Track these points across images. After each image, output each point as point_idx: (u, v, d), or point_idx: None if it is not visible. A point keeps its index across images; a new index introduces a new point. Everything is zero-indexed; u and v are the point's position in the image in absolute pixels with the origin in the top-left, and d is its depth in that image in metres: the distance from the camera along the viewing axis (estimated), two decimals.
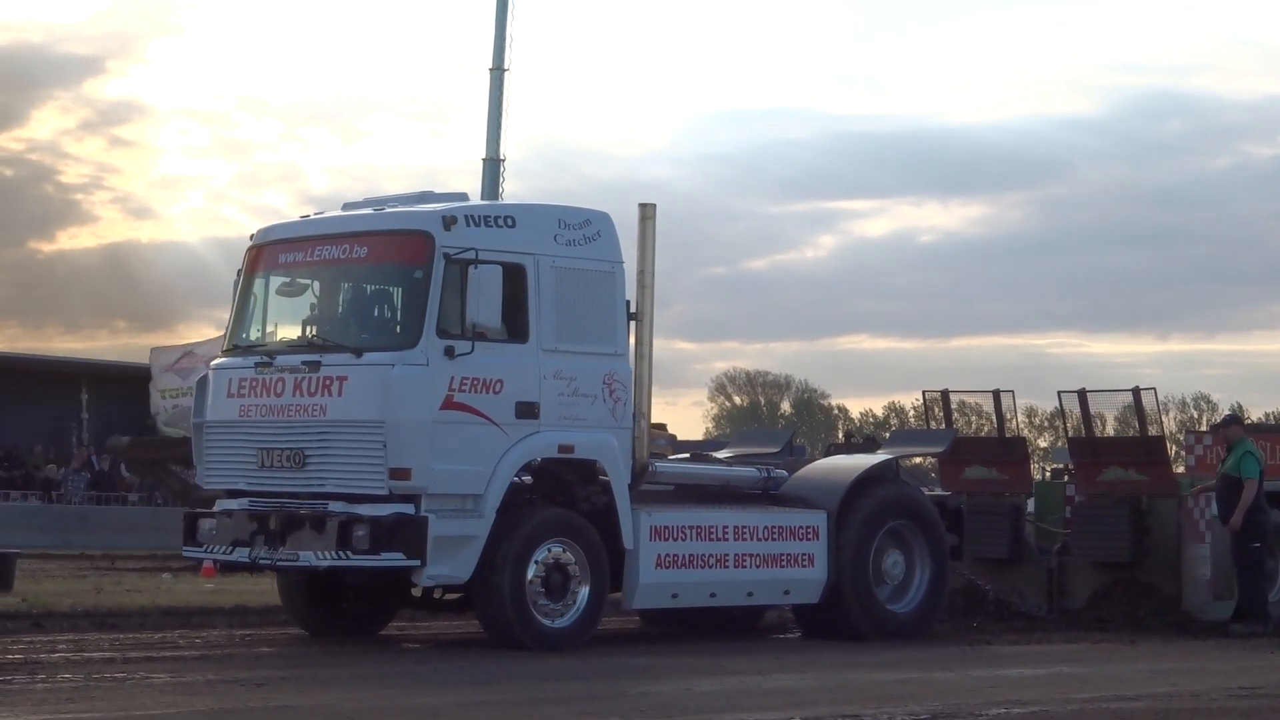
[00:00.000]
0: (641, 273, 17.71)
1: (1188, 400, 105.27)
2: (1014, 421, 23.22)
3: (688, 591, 17.85)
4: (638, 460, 17.52)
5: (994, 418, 23.01)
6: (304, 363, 16.40)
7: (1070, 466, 24.26)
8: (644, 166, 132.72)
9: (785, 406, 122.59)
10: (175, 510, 31.51)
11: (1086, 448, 22.48)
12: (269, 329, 17.44)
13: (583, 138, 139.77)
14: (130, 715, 11.44)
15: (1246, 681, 14.93)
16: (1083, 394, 22.35)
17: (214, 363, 17.53)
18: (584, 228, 17.18)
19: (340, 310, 17.06)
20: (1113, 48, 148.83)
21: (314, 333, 16.90)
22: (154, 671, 14.05)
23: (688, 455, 20.55)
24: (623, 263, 17.45)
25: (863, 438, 22.28)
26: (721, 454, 20.89)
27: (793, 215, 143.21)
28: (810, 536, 18.54)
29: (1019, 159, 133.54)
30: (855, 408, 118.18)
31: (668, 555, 17.52)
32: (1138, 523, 21.27)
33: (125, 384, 45.68)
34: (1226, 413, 21.90)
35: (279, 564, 16.56)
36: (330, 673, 14.56)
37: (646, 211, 17.88)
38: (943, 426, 23.31)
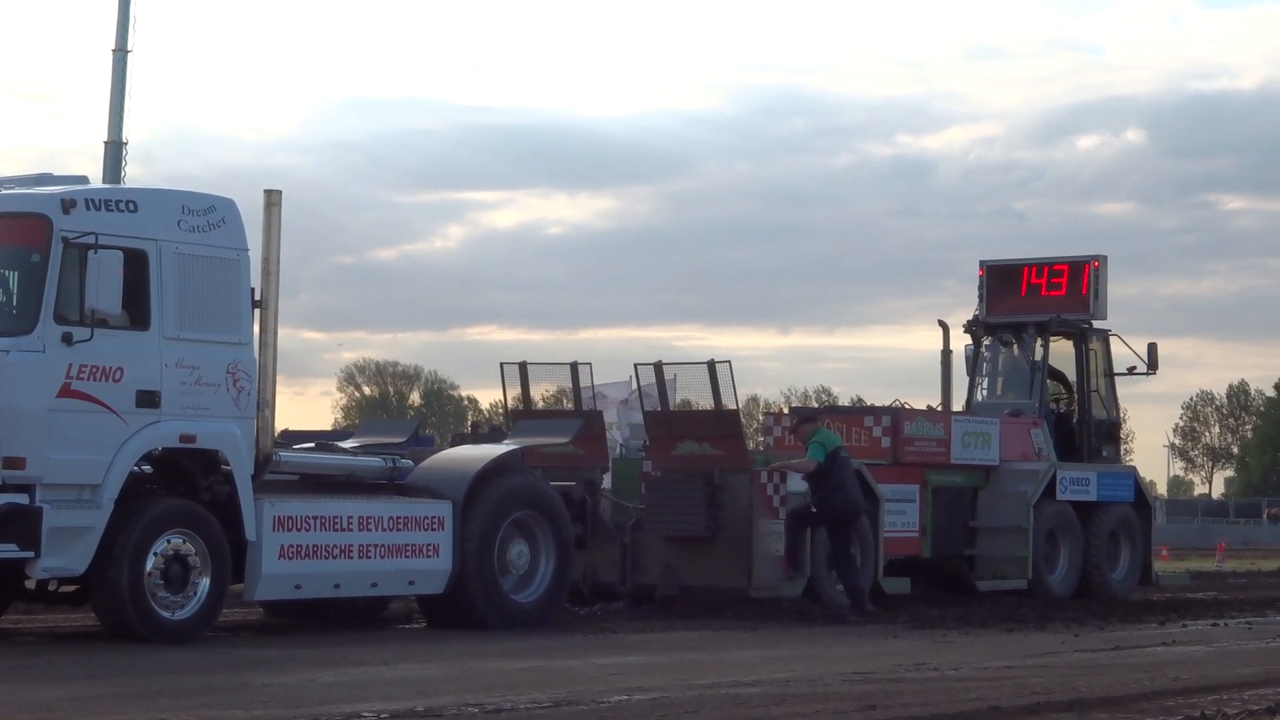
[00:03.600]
0: (266, 260, 17.51)
1: (809, 393, 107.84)
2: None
3: (311, 582, 17.70)
4: (261, 450, 17.32)
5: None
6: None
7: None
8: (271, 153, 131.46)
9: (415, 397, 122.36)
10: None
11: (661, 421, 22.20)
12: None
13: (209, 123, 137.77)
14: None
15: (860, 667, 15.33)
16: (659, 366, 22.07)
17: None
18: (208, 214, 16.91)
19: None
20: (738, 46, 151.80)
21: None
22: None
23: (312, 445, 20.36)
24: (248, 250, 17.22)
25: (490, 428, 22.17)
26: (347, 444, 20.74)
27: (422, 205, 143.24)
28: (435, 527, 18.53)
29: (645, 154, 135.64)
30: (485, 399, 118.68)
31: (291, 546, 17.36)
32: (711, 497, 21.22)
33: None
34: (796, 405, 22.17)
35: None
36: None
37: (272, 198, 17.68)
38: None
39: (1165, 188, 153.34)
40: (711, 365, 21.63)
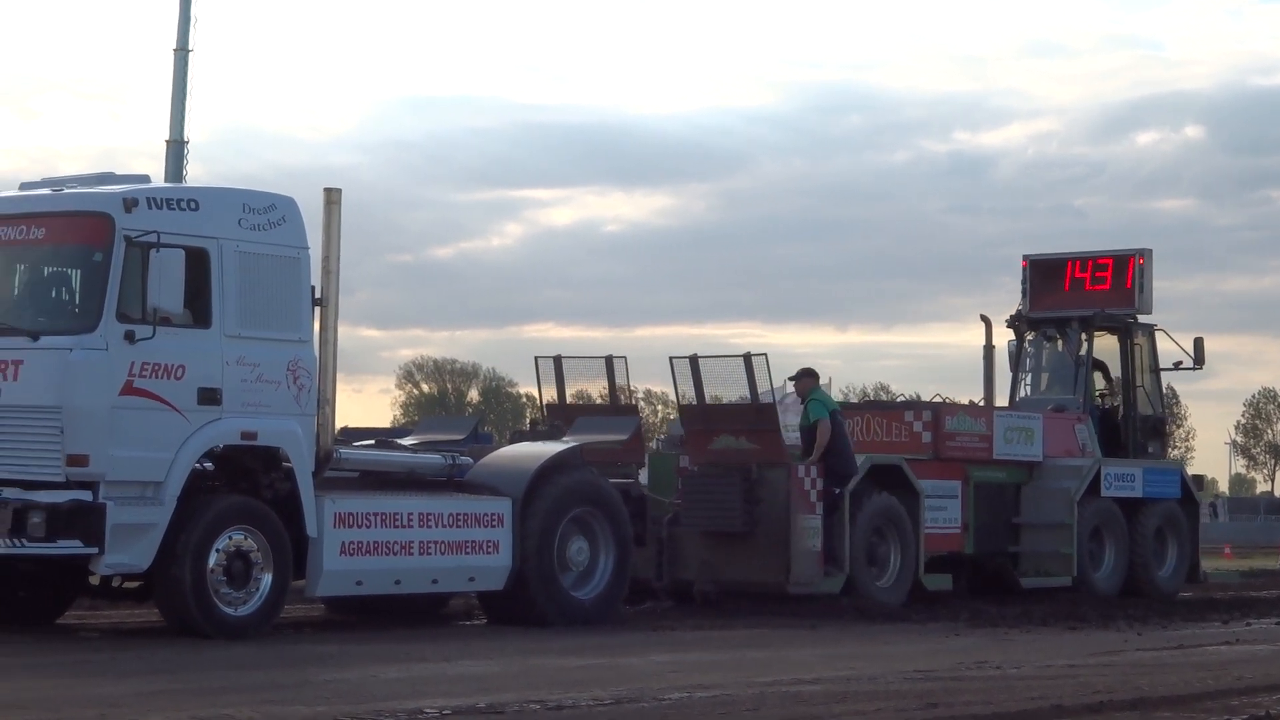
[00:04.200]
0: (326, 258, 17.56)
1: (868, 390, 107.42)
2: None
3: (372, 579, 17.74)
4: (322, 447, 17.36)
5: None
6: None
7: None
8: (329, 152, 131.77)
9: (473, 395, 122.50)
10: None
11: (698, 415, 21.93)
12: None
13: (268, 122, 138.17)
14: None
15: (921, 665, 15.28)
16: (694, 360, 21.76)
17: None
18: (269, 212, 16.96)
19: (16, 292, 16.62)
20: (793, 43, 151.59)
21: None
22: None
23: (372, 442, 20.40)
24: (308, 248, 17.27)
25: (549, 425, 22.13)
26: (407, 441, 20.79)
27: (479, 204, 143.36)
28: (495, 523, 18.55)
29: (702, 151, 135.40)
30: (543, 396, 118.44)
31: (352, 542, 17.41)
32: (748, 492, 21.07)
33: None
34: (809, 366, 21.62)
35: None
36: (4, 661, 14.21)
37: (332, 196, 17.73)
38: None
39: (1225, 184, 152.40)
40: (748, 358, 21.44)
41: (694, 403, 21.94)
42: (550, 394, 23.51)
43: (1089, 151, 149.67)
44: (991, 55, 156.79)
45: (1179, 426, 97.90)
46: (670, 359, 21.98)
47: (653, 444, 25.21)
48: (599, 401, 23.52)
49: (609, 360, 23.09)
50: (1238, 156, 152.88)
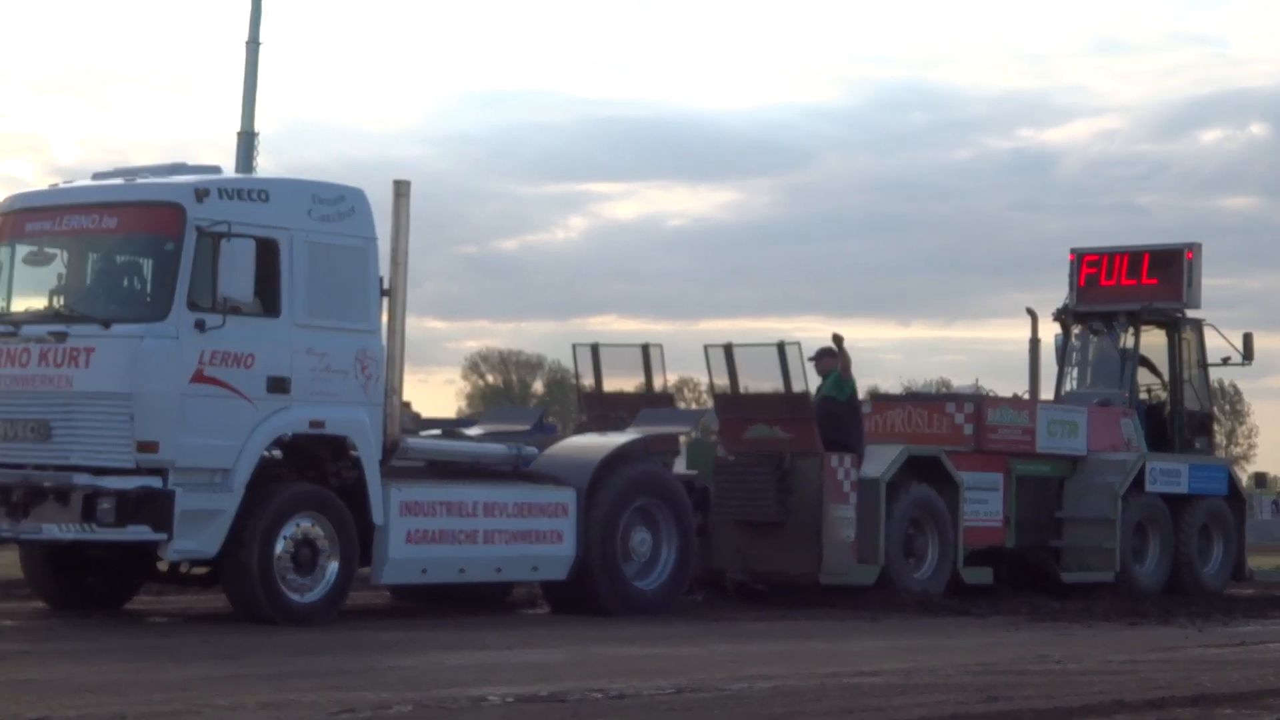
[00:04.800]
0: (395, 250, 17.61)
1: (929, 384, 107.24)
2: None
3: (437, 567, 17.82)
4: (389, 436, 17.43)
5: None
6: (50, 333, 16.08)
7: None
8: (395, 145, 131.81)
9: (538, 386, 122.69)
10: None
11: (732, 404, 21.74)
12: (14, 299, 17.03)
13: (335, 115, 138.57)
14: None
15: (982, 658, 15.26)
16: (729, 349, 21.61)
17: None
18: (338, 203, 17.04)
19: (89, 281, 16.74)
20: (857, 39, 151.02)
21: (61, 303, 16.57)
22: None
23: (439, 432, 20.47)
24: (376, 239, 17.34)
25: (615, 418, 22.09)
26: (472, 431, 20.87)
27: (543, 197, 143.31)
28: (559, 513, 18.60)
29: (766, 146, 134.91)
30: (606, 388, 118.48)
31: (418, 530, 17.49)
32: (781, 481, 20.92)
33: None
34: (829, 346, 21.41)
35: (21, 537, 16.25)
36: (74, 646, 14.32)
37: (400, 189, 17.78)
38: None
39: None
40: (781, 347, 21.27)
41: (728, 392, 21.84)
42: (589, 382, 23.35)
43: (1152, 149, 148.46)
44: (1056, 53, 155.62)
45: (1241, 424, 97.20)
46: (705, 348, 21.85)
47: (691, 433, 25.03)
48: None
49: (645, 349, 23.02)
50: None
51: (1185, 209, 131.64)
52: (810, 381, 21.62)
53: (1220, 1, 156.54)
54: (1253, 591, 25.95)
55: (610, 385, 23.16)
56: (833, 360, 21.58)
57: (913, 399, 24.69)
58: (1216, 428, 28.42)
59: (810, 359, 21.82)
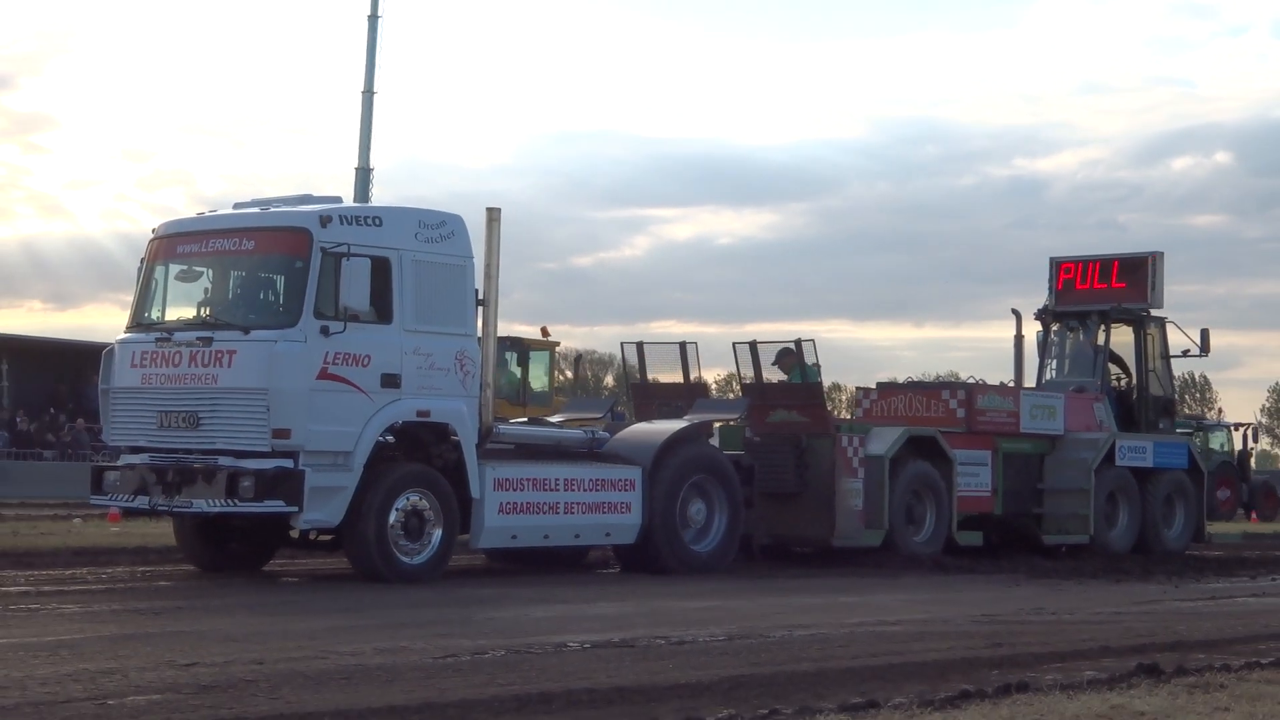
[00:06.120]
0: (488, 266, 17.65)
1: (939, 376, 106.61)
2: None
3: (525, 533, 17.87)
4: (484, 423, 17.49)
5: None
6: (199, 338, 16.21)
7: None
8: (489, 178, 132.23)
9: (609, 380, 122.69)
10: (83, 465, 30.97)
11: (757, 392, 21.69)
12: (168, 310, 17.18)
13: (438, 153, 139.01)
14: (43, 640, 11.24)
15: (988, 610, 15.21)
16: (753, 345, 21.70)
17: (118, 338, 17.25)
18: (440, 227, 17.10)
19: (230, 294, 16.84)
20: (880, 84, 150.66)
21: (208, 313, 16.69)
22: (65, 603, 13.83)
23: (525, 420, 20.53)
24: (472, 257, 17.38)
25: (675, 407, 22.05)
26: (554, 419, 20.92)
27: (613, 220, 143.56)
28: (628, 488, 18.63)
29: (801, 175, 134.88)
30: (665, 380, 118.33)
31: (508, 503, 17.53)
32: (799, 458, 20.92)
33: (39, 356, 44.75)
34: (788, 345, 21.32)
35: (175, 510, 16.41)
36: (220, 602, 14.42)
37: (493, 215, 17.83)
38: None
39: (1251, 201, 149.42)
40: (798, 344, 21.36)
41: (754, 381, 21.84)
42: (635, 375, 23.36)
43: (1131, 175, 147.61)
44: (1047, 93, 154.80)
45: (1210, 410, 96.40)
46: (733, 344, 21.90)
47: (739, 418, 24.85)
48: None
49: (683, 346, 22.99)
50: (1262, 178, 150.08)
51: (1159, 226, 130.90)
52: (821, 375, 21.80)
53: (1190, 48, 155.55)
54: (1221, 553, 25.75)
55: (664, 378, 23.15)
56: (792, 358, 21.62)
57: (913, 387, 24.60)
58: (1186, 411, 28.15)
59: (774, 364, 21.90)
